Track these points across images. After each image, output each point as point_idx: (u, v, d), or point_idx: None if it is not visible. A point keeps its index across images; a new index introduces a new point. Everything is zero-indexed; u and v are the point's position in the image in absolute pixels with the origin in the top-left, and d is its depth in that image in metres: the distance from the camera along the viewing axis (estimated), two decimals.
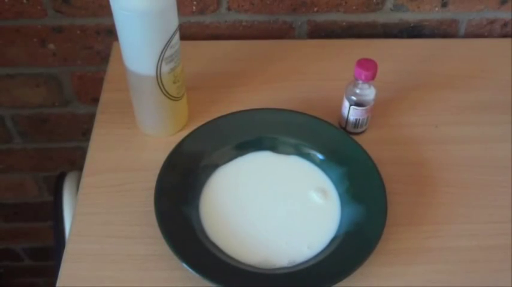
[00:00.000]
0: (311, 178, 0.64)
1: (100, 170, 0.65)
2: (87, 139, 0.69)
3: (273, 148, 0.66)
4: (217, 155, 0.65)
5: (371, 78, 0.63)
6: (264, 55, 0.81)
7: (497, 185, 0.64)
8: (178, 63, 0.62)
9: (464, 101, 0.75)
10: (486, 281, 0.56)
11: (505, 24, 0.86)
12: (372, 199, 0.60)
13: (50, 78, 0.90)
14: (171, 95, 0.64)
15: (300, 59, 0.80)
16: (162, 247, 0.55)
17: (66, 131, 0.99)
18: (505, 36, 0.88)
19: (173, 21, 0.58)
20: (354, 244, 0.56)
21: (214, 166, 0.65)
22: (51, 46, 0.85)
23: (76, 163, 1.05)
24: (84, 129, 0.99)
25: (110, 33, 0.84)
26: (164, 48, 0.58)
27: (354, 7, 0.83)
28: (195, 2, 0.81)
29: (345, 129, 0.68)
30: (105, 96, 0.74)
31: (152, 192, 0.59)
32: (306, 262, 0.56)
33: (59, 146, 1.02)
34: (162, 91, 0.63)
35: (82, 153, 1.01)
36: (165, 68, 0.61)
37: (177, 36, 0.60)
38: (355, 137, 0.66)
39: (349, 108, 0.66)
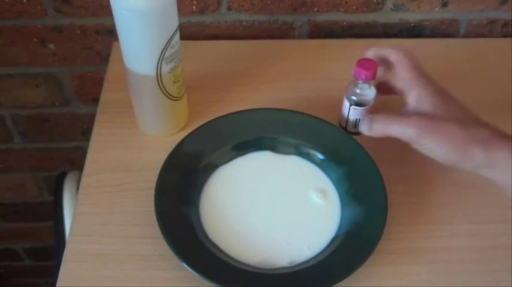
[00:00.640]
0: (311, 177, 0.64)
1: (100, 170, 0.65)
2: (87, 139, 0.69)
3: (273, 147, 0.66)
4: (217, 155, 0.65)
5: (371, 78, 0.63)
6: (264, 55, 0.81)
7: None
8: (178, 63, 0.62)
9: (463, 101, 0.75)
10: (486, 281, 0.56)
11: (506, 24, 0.86)
12: (372, 199, 0.60)
13: (50, 78, 0.90)
14: (171, 95, 0.64)
15: (300, 59, 0.80)
16: (162, 247, 0.55)
17: (66, 131, 0.99)
18: (505, 36, 0.88)
19: (173, 21, 0.58)
20: (355, 244, 0.56)
21: (215, 166, 0.64)
22: (51, 46, 0.85)
23: (76, 162, 1.05)
24: (84, 129, 0.99)
25: (110, 33, 0.83)
26: (164, 48, 0.58)
27: (354, 7, 0.83)
28: (195, 2, 0.81)
29: (345, 129, 0.68)
30: (105, 96, 0.74)
31: (152, 192, 0.59)
32: (306, 262, 0.56)
33: (59, 146, 1.02)
34: (162, 91, 0.63)
35: (82, 153, 1.01)
36: (165, 68, 0.61)
37: (177, 36, 0.60)
38: (356, 137, 0.65)
39: (349, 108, 0.66)
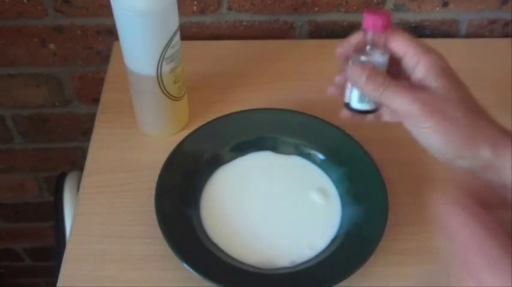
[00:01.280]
0: (311, 178, 0.64)
1: (100, 170, 0.65)
2: (88, 139, 0.69)
3: (274, 147, 0.66)
4: (218, 155, 0.65)
5: (382, 28, 0.48)
6: (264, 55, 0.81)
7: None
8: (178, 63, 0.62)
9: None
10: None
11: (506, 24, 0.86)
12: (372, 199, 0.60)
13: (51, 78, 0.90)
14: (171, 95, 0.64)
15: (301, 59, 0.80)
16: (163, 247, 0.55)
17: (67, 131, 0.99)
18: (505, 36, 0.88)
19: (174, 21, 0.58)
20: (355, 244, 0.56)
21: (215, 166, 0.64)
22: (52, 46, 0.85)
23: (76, 163, 1.05)
24: (84, 130, 0.99)
25: (111, 33, 0.83)
26: (165, 48, 0.58)
27: (355, 7, 0.83)
28: (195, 2, 0.81)
29: (349, 104, 0.53)
30: (105, 96, 0.74)
31: (153, 192, 0.59)
32: (307, 262, 0.56)
33: (59, 146, 1.02)
34: (163, 91, 0.63)
35: (82, 153, 1.01)
36: (166, 68, 0.61)
37: (178, 36, 0.60)
38: (356, 137, 0.65)
39: None
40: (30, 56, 0.87)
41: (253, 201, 0.62)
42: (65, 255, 0.57)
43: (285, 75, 0.77)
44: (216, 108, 0.70)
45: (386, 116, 0.52)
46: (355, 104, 0.52)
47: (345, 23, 0.85)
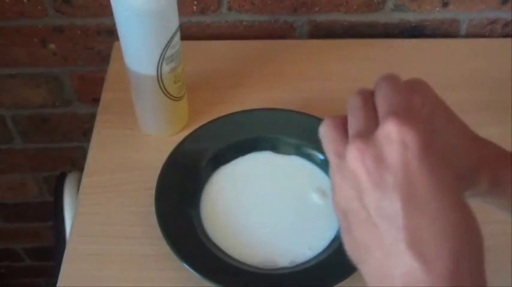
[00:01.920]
0: (312, 178, 0.64)
1: (101, 170, 0.65)
2: (88, 139, 0.69)
3: (274, 148, 0.66)
4: (218, 155, 0.65)
5: None
6: (264, 55, 0.81)
7: None
8: (179, 63, 0.62)
9: (464, 101, 0.74)
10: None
11: (506, 24, 0.86)
12: None
13: (51, 78, 0.90)
14: (171, 95, 0.64)
15: (301, 59, 0.80)
16: (163, 247, 0.55)
17: (67, 131, 0.99)
18: (506, 36, 0.88)
19: (174, 21, 0.58)
20: None
21: (215, 166, 0.64)
22: (52, 46, 0.85)
23: (77, 163, 1.05)
24: (84, 130, 0.99)
25: (111, 33, 0.83)
26: (165, 48, 0.58)
27: (355, 7, 0.83)
28: (195, 2, 0.81)
29: None
30: (105, 96, 0.74)
31: (153, 192, 0.59)
32: (308, 262, 0.56)
33: (59, 146, 1.02)
34: (163, 91, 0.63)
35: (83, 153, 1.01)
36: (166, 68, 0.60)
37: (178, 36, 0.60)
38: None
39: None
40: (30, 56, 0.87)
41: (253, 201, 0.62)
42: (65, 255, 0.57)
43: (285, 75, 0.77)
44: (216, 108, 0.70)
45: None
46: None
47: (345, 23, 0.85)
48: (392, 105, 0.33)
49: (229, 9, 0.82)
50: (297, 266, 0.56)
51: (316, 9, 0.83)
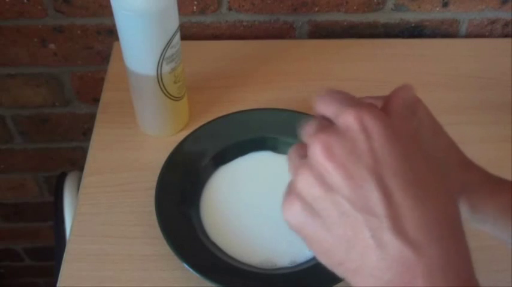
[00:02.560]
0: None
1: (101, 170, 0.65)
2: (88, 139, 0.69)
3: (274, 147, 0.66)
4: (218, 155, 0.65)
5: None
6: (264, 55, 0.81)
7: None
8: (179, 63, 0.62)
9: (464, 101, 0.75)
10: (486, 281, 0.56)
11: (506, 24, 0.86)
12: None
13: (51, 78, 0.90)
14: (171, 95, 0.64)
15: (301, 59, 0.80)
16: (163, 247, 0.55)
17: (67, 131, 0.99)
18: (506, 36, 0.88)
19: (174, 21, 0.58)
20: None
21: (215, 166, 0.64)
22: (52, 46, 0.85)
23: (77, 162, 1.05)
24: (84, 129, 0.99)
25: (111, 33, 0.83)
26: (165, 48, 0.58)
27: (355, 7, 0.83)
28: (195, 2, 0.81)
29: None
30: (105, 96, 0.74)
31: (153, 192, 0.59)
32: (307, 262, 0.56)
33: (59, 146, 1.02)
34: (163, 91, 0.63)
35: (83, 153, 1.01)
36: (166, 68, 0.61)
37: (178, 36, 0.60)
38: None
39: None
40: (30, 56, 0.87)
41: (253, 201, 0.62)
42: (65, 255, 0.57)
43: (284, 75, 0.77)
44: (216, 108, 0.70)
45: None
46: None
47: (345, 23, 0.85)
48: (343, 102, 0.32)
49: (229, 9, 0.82)
50: (297, 266, 0.56)
51: (316, 9, 0.83)
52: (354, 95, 0.34)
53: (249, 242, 0.58)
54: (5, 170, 1.07)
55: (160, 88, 0.62)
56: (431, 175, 0.31)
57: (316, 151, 0.31)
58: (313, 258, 0.57)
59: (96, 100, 0.86)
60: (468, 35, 0.88)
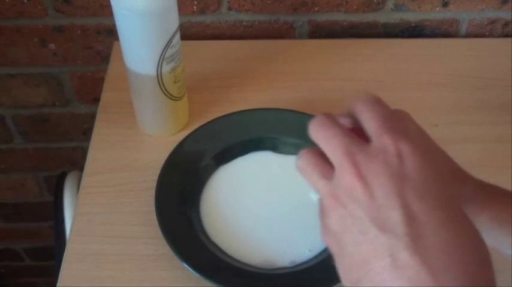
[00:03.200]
0: None
1: (101, 170, 0.65)
2: (88, 139, 0.69)
3: (274, 147, 0.66)
4: (218, 155, 0.65)
5: None
6: (264, 55, 0.81)
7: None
8: (179, 63, 0.62)
9: (464, 101, 0.75)
10: None
11: (506, 24, 0.86)
12: None
13: (51, 78, 0.90)
14: (171, 95, 0.64)
15: (301, 59, 0.80)
16: (163, 247, 0.55)
17: (67, 130, 0.99)
18: (506, 36, 0.88)
19: (174, 21, 0.58)
20: None
21: (215, 166, 0.64)
22: (52, 46, 0.85)
23: (77, 162, 1.05)
24: (84, 129, 0.99)
25: (111, 33, 0.83)
26: (165, 48, 0.58)
27: (355, 7, 0.83)
28: (195, 2, 0.81)
29: None
30: (105, 96, 0.74)
31: (153, 192, 0.59)
32: (307, 262, 0.56)
33: (59, 146, 1.02)
34: (163, 91, 0.63)
35: (83, 153, 1.01)
36: (166, 68, 0.61)
37: (178, 36, 0.60)
38: None
39: None
40: (30, 56, 0.87)
41: (253, 201, 0.62)
42: (65, 255, 0.57)
43: (284, 75, 0.77)
44: (216, 108, 0.70)
45: None
46: None
47: (345, 23, 0.85)
48: (385, 122, 0.33)
49: (229, 9, 0.82)
50: (296, 266, 0.56)
51: (316, 9, 0.83)
52: (390, 108, 0.35)
53: (249, 242, 0.58)
54: (5, 170, 1.07)
55: (160, 88, 0.62)
56: (453, 199, 0.31)
57: (347, 172, 0.32)
58: (313, 258, 0.57)
59: (96, 100, 0.86)
60: (468, 35, 0.88)
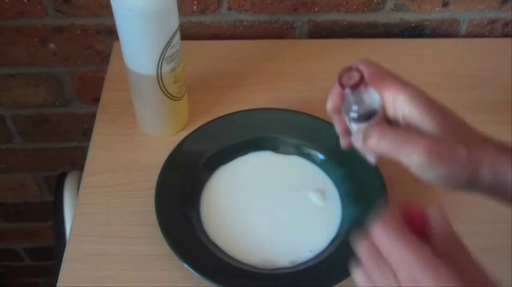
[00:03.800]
0: (312, 178, 0.64)
1: (100, 170, 0.65)
2: (88, 139, 0.69)
3: (274, 148, 0.66)
4: (218, 155, 0.65)
5: (358, 85, 0.49)
6: (264, 55, 0.81)
7: None
8: (179, 63, 0.62)
9: (464, 101, 0.75)
10: None
11: (506, 24, 0.86)
12: (372, 199, 0.60)
13: (51, 78, 0.90)
14: (171, 95, 0.64)
15: (301, 59, 0.80)
16: (163, 247, 0.55)
17: (67, 131, 0.99)
18: (505, 36, 0.88)
19: (174, 21, 0.58)
20: None
21: (215, 166, 0.64)
22: (52, 46, 0.85)
23: (77, 162, 1.05)
24: (84, 129, 0.99)
25: (111, 33, 0.83)
26: (165, 48, 0.58)
27: (355, 7, 0.83)
28: (195, 2, 0.81)
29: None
30: (105, 96, 0.74)
31: (153, 192, 0.59)
32: (307, 262, 0.56)
33: (59, 146, 1.02)
34: (163, 91, 0.63)
35: (83, 153, 1.01)
36: (166, 68, 0.61)
37: (178, 36, 0.60)
38: None
39: (352, 126, 0.50)
40: (30, 56, 0.87)
41: (253, 201, 0.62)
42: (65, 255, 0.57)
43: (284, 75, 0.77)
44: (216, 108, 0.70)
45: None
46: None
47: (345, 23, 0.85)
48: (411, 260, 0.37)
49: (229, 9, 0.82)
50: (297, 266, 0.56)
51: (316, 9, 0.83)
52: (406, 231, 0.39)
53: (249, 243, 0.58)
54: (5, 170, 1.07)
55: (160, 88, 0.62)
56: None
57: None
58: (313, 258, 0.57)
59: (96, 100, 0.86)
60: (468, 35, 0.88)
